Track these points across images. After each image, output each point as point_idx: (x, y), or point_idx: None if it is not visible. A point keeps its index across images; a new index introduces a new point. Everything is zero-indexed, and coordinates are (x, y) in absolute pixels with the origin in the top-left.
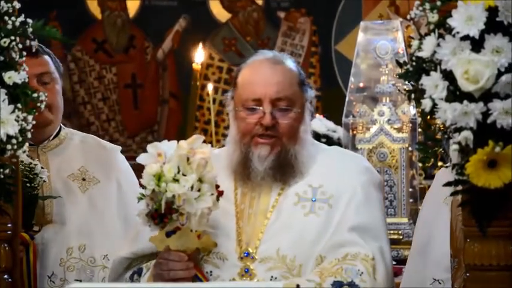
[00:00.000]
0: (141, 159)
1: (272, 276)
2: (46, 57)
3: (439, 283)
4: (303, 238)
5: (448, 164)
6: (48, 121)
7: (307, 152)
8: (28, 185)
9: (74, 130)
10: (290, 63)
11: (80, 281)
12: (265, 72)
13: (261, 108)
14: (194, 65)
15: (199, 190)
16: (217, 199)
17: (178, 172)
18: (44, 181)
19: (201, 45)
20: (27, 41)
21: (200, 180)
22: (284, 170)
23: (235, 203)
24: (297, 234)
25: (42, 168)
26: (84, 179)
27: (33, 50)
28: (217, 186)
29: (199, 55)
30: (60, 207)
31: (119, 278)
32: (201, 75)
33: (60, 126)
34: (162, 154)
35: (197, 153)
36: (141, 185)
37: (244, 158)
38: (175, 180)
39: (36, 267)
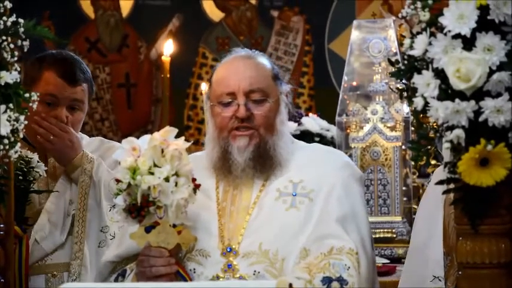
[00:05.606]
0: (117, 155)
1: (255, 271)
2: (84, 85)
3: (440, 280)
4: (285, 232)
5: (441, 163)
6: None
7: (285, 144)
8: (21, 178)
9: (82, 134)
10: (263, 59)
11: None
12: (237, 67)
13: (235, 101)
14: (163, 58)
15: (176, 184)
16: (194, 192)
17: (155, 166)
18: (40, 175)
19: (171, 39)
20: (19, 41)
21: (177, 174)
22: (264, 161)
23: (217, 200)
24: (279, 229)
25: (38, 162)
26: None
27: (25, 50)
28: (194, 179)
29: (168, 47)
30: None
31: (104, 282)
32: (194, 74)
33: None
34: (137, 148)
35: (171, 145)
36: (117, 180)
37: (223, 152)
38: (151, 173)
39: (28, 260)
